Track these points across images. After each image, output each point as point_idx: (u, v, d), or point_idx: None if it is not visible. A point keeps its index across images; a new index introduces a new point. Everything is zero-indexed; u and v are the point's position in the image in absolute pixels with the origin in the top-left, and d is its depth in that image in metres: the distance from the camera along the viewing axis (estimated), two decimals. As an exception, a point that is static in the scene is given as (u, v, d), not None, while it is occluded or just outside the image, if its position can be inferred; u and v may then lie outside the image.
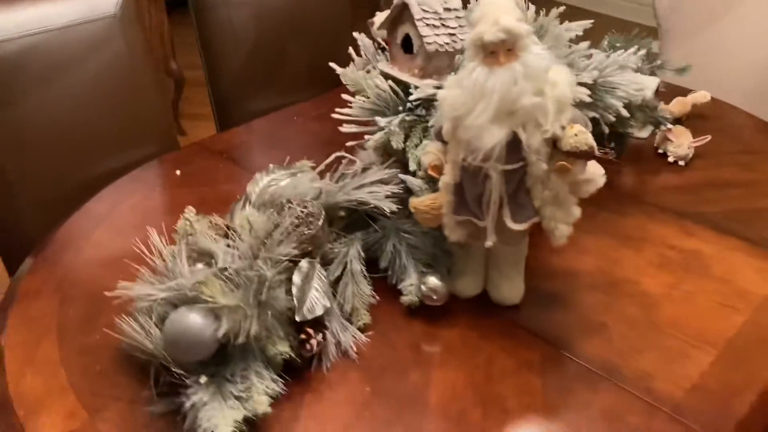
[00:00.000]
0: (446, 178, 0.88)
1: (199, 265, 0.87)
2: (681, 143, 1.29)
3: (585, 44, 1.10)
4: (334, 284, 0.94)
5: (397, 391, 0.84)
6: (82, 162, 1.33)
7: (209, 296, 0.77)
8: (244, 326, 0.78)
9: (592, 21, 1.21)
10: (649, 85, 1.35)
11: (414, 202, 0.92)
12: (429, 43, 0.99)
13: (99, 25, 1.30)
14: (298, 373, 0.85)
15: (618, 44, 1.47)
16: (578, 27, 1.16)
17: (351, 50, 1.16)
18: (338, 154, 1.06)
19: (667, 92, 1.41)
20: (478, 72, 0.81)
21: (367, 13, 1.34)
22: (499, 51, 0.80)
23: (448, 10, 1.01)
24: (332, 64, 1.12)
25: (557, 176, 0.85)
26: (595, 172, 0.91)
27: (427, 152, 0.91)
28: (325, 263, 0.95)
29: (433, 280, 0.93)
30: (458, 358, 0.89)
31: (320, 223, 0.91)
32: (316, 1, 1.63)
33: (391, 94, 1.03)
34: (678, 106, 1.43)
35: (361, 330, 0.91)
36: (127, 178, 1.28)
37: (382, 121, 0.98)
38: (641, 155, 1.34)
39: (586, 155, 0.83)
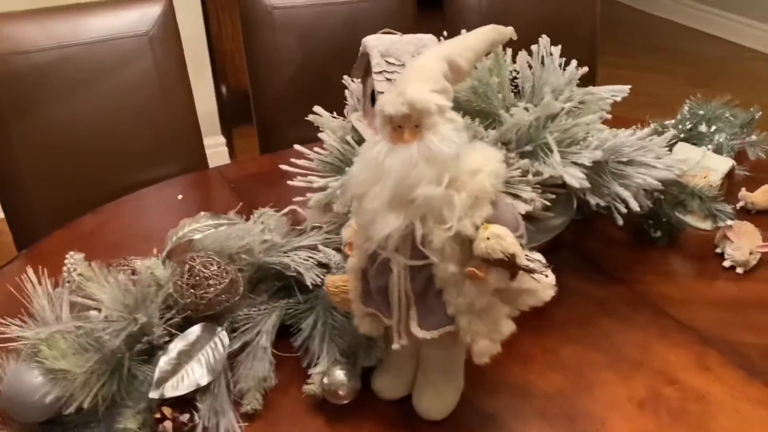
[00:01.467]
0: (353, 261, 0.75)
1: (93, 312, 0.81)
2: (741, 245, 1.03)
3: (594, 117, 0.90)
4: (236, 356, 0.84)
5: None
6: (99, 174, 1.35)
7: (44, 357, 0.70)
8: (80, 394, 0.71)
9: (628, 87, 1.01)
10: (716, 167, 1.11)
11: (327, 280, 0.80)
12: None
13: (130, 41, 1.30)
14: (158, 453, 0.76)
15: (701, 112, 1.23)
16: (607, 92, 0.96)
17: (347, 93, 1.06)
18: (292, 207, 0.96)
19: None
20: (380, 147, 0.67)
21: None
22: (405, 126, 0.66)
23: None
24: (317, 108, 1.03)
25: (472, 283, 0.68)
26: (534, 284, 0.73)
27: (348, 225, 0.78)
28: (234, 330, 0.86)
29: (338, 374, 0.80)
30: (341, 474, 0.75)
31: (221, 286, 0.82)
32: (365, 28, 1.53)
33: (352, 150, 0.91)
34: (764, 195, 1.16)
35: (248, 416, 0.81)
36: (132, 196, 1.27)
37: (320, 180, 0.87)
38: (694, 252, 1.09)
39: (505, 264, 0.66)
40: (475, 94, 0.97)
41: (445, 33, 1.01)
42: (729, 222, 1.04)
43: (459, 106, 0.99)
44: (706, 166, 1.12)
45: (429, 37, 0.90)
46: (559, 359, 0.89)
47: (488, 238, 0.65)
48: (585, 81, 1.70)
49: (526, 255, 0.68)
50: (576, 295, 1.00)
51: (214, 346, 0.82)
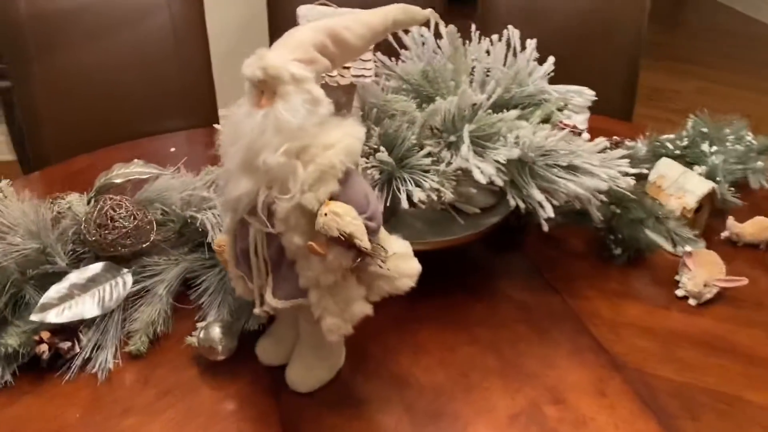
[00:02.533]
0: (227, 221, 0.76)
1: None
2: (696, 275, 0.95)
3: (514, 113, 0.85)
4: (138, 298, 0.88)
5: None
6: (111, 120, 1.43)
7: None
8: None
9: (592, 93, 0.96)
10: (694, 189, 1.02)
11: (216, 239, 0.82)
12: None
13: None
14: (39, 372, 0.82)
15: (705, 129, 1.14)
16: (564, 92, 0.92)
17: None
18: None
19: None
20: (241, 110, 0.67)
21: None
22: (265, 91, 0.66)
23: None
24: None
25: (316, 258, 0.68)
26: (400, 270, 0.71)
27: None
28: (140, 272, 0.89)
29: (215, 331, 0.82)
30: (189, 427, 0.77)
31: (124, 229, 0.86)
32: None
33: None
34: (755, 227, 1.05)
35: (132, 356, 0.84)
36: (129, 144, 1.34)
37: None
38: (652, 275, 1.01)
39: (342, 243, 0.65)
40: (425, 79, 0.95)
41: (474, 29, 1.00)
42: (687, 248, 0.96)
43: (411, 89, 0.98)
44: (683, 186, 1.03)
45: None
46: (452, 357, 0.86)
47: (326, 215, 0.64)
48: (622, 90, 1.61)
49: (371, 239, 0.67)
50: (503, 298, 0.96)
51: (114, 284, 0.87)
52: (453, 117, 0.84)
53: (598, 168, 0.88)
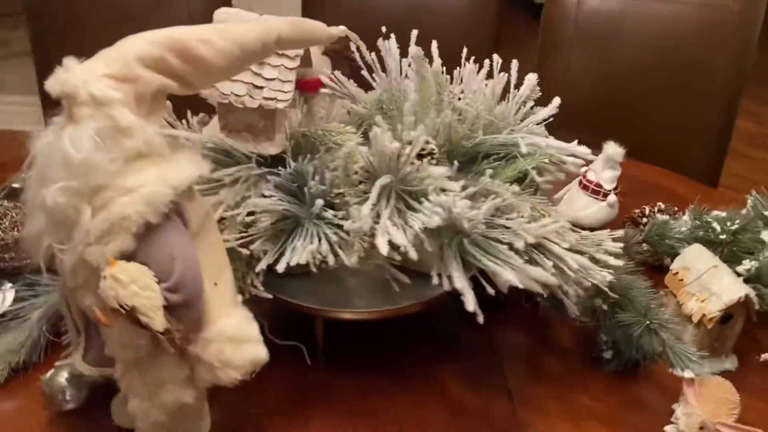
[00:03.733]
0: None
1: None
2: (694, 412, 0.70)
3: (443, 170, 0.65)
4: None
5: None
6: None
7: None
8: None
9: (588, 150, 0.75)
10: (721, 291, 0.77)
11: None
12: (225, 94, 0.71)
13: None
14: None
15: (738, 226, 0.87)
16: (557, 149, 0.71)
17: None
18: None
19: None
20: (51, 127, 0.54)
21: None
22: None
23: (275, 53, 0.71)
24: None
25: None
26: (224, 358, 0.55)
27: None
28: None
29: (61, 377, 0.70)
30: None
31: (6, 240, 0.76)
32: (424, 19, 1.33)
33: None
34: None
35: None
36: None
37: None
38: (646, 396, 0.77)
39: (124, 316, 0.51)
40: (379, 109, 0.78)
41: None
42: (686, 373, 0.72)
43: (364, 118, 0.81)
44: (708, 286, 0.78)
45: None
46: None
47: (104, 278, 0.50)
48: (709, 139, 1.31)
49: (180, 316, 0.51)
50: (436, 390, 0.77)
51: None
52: (376, 164, 0.66)
53: (565, 252, 0.67)
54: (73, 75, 0.51)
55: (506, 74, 0.81)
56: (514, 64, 0.81)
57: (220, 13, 0.72)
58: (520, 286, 0.63)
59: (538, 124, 0.80)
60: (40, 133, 0.55)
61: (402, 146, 0.66)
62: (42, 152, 0.52)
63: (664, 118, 1.29)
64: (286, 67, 0.71)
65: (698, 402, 0.71)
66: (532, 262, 0.68)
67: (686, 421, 0.70)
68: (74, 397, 0.71)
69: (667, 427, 0.72)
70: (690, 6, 1.22)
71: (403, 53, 0.81)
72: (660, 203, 1.00)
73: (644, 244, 0.92)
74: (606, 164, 0.94)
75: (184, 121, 0.80)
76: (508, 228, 0.64)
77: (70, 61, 0.52)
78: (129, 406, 0.57)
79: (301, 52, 0.71)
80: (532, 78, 0.81)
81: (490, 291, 0.65)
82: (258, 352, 0.57)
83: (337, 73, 0.82)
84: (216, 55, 0.56)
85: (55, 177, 0.51)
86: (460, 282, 0.63)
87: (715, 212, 0.91)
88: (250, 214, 0.70)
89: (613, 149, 0.93)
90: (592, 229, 0.94)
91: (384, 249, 0.62)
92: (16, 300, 0.79)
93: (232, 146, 0.70)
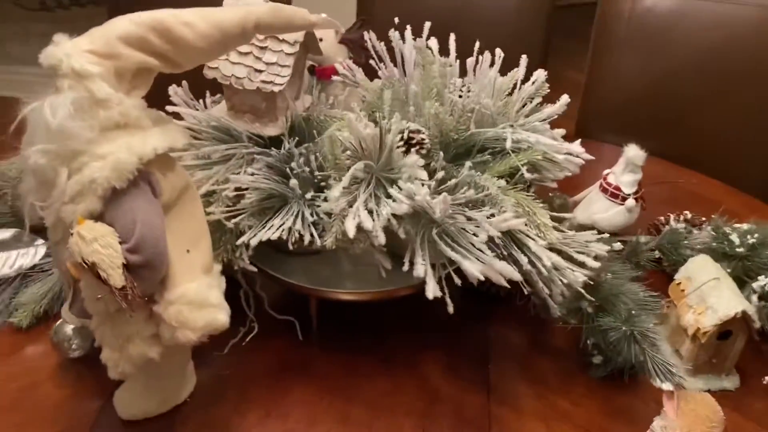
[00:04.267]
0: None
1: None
2: (674, 426, 0.67)
3: (414, 158, 0.66)
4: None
5: None
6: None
7: None
8: None
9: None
10: (719, 306, 0.74)
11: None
12: (226, 75, 0.75)
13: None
14: None
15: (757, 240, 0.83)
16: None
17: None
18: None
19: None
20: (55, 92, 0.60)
21: None
22: (63, 78, 0.58)
23: (276, 39, 0.74)
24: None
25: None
26: (182, 318, 0.59)
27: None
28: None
29: (67, 328, 0.77)
30: None
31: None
32: (470, 16, 1.31)
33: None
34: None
35: (15, 329, 0.82)
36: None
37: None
38: (627, 404, 0.75)
39: (87, 270, 0.55)
40: (380, 99, 0.80)
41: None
42: (664, 386, 0.69)
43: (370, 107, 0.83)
44: (705, 299, 0.75)
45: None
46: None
47: (72, 235, 0.55)
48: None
49: (138, 275, 0.56)
50: (411, 376, 0.78)
51: (23, 253, 0.86)
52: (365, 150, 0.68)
53: (541, 249, 0.67)
54: (59, 49, 0.56)
55: (516, 69, 0.81)
56: (523, 60, 0.81)
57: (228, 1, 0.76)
58: (481, 277, 0.63)
59: (542, 121, 0.79)
60: (30, 99, 0.61)
61: (383, 133, 0.67)
62: (30, 117, 0.58)
63: (719, 126, 1.22)
64: (286, 53, 0.74)
65: (675, 416, 0.68)
66: (509, 256, 0.68)
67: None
68: (80, 347, 0.77)
69: (642, 447, 0.70)
70: (750, 7, 1.15)
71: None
72: (687, 212, 0.96)
73: (657, 252, 0.89)
74: (626, 167, 0.91)
75: (201, 101, 0.85)
76: (472, 219, 0.65)
77: (59, 37, 0.57)
78: (102, 355, 0.63)
79: (301, 38, 0.75)
80: (539, 74, 0.80)
81: (457, 281, 0.65)
82: (216, 317, 0.61)
83: (349, 61, 0.84)
84: (197, 37, 0.60)
85: (37, 140, 0.56)
86: (422, 269, 0.64)
87: (737, 224, 0.87)
88: (241, 190, 0.73)
89: (633, 152, 0.90)
90: (614, 234, 0.93)
91: (351, 232, 0.64)
92: (45, 255, 0.87)
93: (231, 125, 0.74)
